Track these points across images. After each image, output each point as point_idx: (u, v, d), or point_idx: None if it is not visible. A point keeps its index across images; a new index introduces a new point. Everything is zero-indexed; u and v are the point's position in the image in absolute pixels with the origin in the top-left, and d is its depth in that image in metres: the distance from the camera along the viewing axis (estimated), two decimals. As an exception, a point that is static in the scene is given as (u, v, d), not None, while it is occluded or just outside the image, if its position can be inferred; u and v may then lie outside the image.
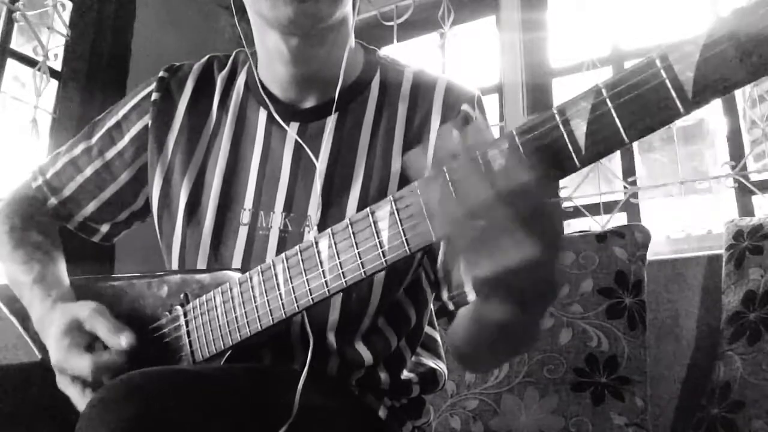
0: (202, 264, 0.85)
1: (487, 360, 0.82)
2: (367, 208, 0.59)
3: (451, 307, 0.82)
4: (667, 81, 0.43)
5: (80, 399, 0.74)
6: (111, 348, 0.74)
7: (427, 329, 0.96)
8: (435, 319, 1.01)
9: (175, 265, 0.88)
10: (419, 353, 0.94)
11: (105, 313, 0.77)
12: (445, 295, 0.83)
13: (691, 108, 0.43)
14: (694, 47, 0.42)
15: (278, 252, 0.81)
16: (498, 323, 0.58)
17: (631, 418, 1.33)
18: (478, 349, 0.74)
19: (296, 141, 0.85)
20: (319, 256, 0.64)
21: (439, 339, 0.99)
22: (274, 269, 0.68)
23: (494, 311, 0.56)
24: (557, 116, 0.47)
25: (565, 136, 0.47)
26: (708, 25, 0.41)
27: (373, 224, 0.59)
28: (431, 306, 0.96)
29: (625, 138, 0.45)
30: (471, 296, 0.79)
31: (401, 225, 0.57)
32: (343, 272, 0.62)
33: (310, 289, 0.65)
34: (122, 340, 0.74)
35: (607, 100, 0.45)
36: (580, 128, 0.46)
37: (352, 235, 0.60)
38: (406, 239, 0.57)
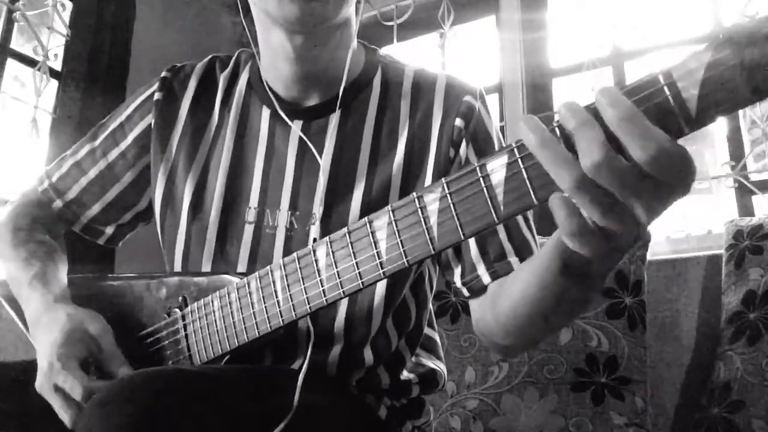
0: (206, 262, 0.85)
1: (539, 326, 0.71)
2: (366, 218, 0.59)
3: (466, 293, 0.81)
4: (670, 98, 0.41)
5: (63, 409, 0.72)
6: (107, 372, 0.74)
7: (427, 330, 0.96)
8: (434, 320, 1.01)
9: (178, 265, 0.88)
10: (419, 354, 0.94)
11: (111, 336, 0.77)
12: (458, 281, 0.82)
13: (694, 127, 0.41)
14: (699, 64, 0.40)
15: (285, 250, 0.82)
16: (580, 268, 0.54)
17: (631, 418, 1.33)
18: (538, 309, 0.66)
19: (300, 139, 0.85)
20: (316, 265, 0.63)
21: (438, 340, 0.99)
22: (272, 275, 0.68)
23: (583, 254, 0.49)
24: (557, 131, 0.45)
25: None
26: (712, 41, 0.40)
27: (371, 234, 0.58)
28: (430, 306, 0.96)
29: None
30: (485, 279, 0.78)
31: (399, 236, 0.56)
32: (340, 282, 0.61)
33: (307, 298, 0.64)
34: (121, 372, 0.74)
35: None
36: None
37: (350, 245, 0.60)
38: (404, 251, 0.56)
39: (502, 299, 0.73)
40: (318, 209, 0.82)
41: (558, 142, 0.44)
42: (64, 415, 0.72)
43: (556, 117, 0.45)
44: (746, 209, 1.73)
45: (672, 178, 0.41)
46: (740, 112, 1.80)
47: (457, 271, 0.82)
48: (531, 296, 0.65)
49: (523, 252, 0.79)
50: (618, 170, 0.41)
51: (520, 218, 0.81)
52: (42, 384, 0.73)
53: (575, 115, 0.43)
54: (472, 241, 0.79)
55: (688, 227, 1.77)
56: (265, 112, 0.89)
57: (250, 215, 0.85)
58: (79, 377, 0.71)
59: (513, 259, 0.78)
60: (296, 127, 0.86)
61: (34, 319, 0.80)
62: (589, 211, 0.43)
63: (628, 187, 0.41)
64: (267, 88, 0.88)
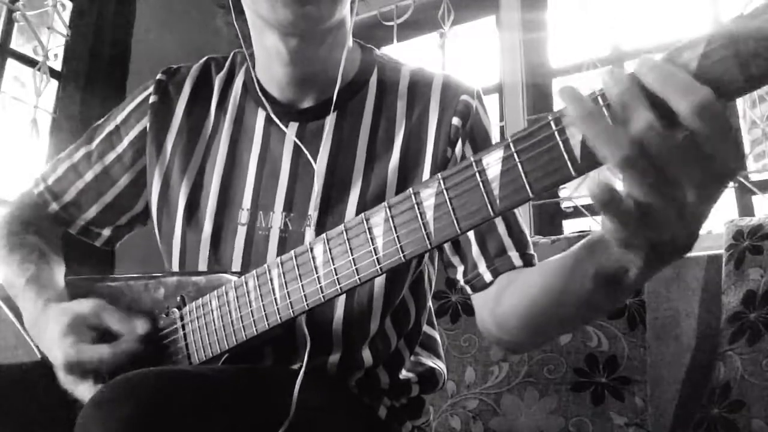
0: (202, 265, 0.85)
1: (553, 327, 0.72)
2: (362, 214, 0.59)
3: (469, 291, 0.81)
4: None
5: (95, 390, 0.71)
6: (127, 335, 0.74)
7: (427, 329, 0.96)
8: (434, 318, 1.01)
9: (175, 267, 0.88)
10: (418, 353, 0.94)
11: (108, 306, 0.77)
12: (461, 278, 0.82)
13: None
14: (693, 55, 0.40)
15: (279, 252, 0.82)
16: (615, 273, 0.51)
17: (631, 418, 1.33)
18: (557, 313, 0.65)
19: (295, 141, 0.85)
20: (314, 262, 0.63)
21: (438, 339, 0.99)
22: (270, 274, 0.68)
23: (629, 261, 0.48)
24: (553, 124, 0.46)
25: (561, 145, 0.45)
26: (707, 32, 0.40)
27: (367, 230, 0.58)
28: (430, 305, 0.96)
29: None
30: (487, 277, 0.78)
31: (396, 231, 0.56)
32: (338, 278, 0.61)
33: (305, 295, 0.65)
34: (138, 327, 0.75)
35: (604, 109, 0.43)
36: (575, 137, 0.45)
37: (347, 241, 0.60)
38: (401, 246, 0.56)
39: (512, 298, 0.73)
40: (314, 212, 0.82)
41: (602, 113, 0.43)
42: None
43: (599, 87, 0.44)
44: (746, 209, 1.73)
45: (716, 140, 0.40)
46: (740, 112, 1.80)
47: (460, 269, 0.82)
48: (553, 299, 0.64)
49: (522, 246, 0.79)
50: (666, 139, 0.40)
51: (516, 214, 0.81)
52: (67, 381, 0.75)
53: (619, 83, 0.42)
54: (473, 239, 0.80)
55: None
56: (260, 115, 0.89)
57: (243, 217, 0.85)
58: (100, 350, 0.72)
59: (513, 254, 0.78)
60: (291, 129, 0.86)
61: (31, 324, 0.81)
62: (636, 188, 0.42)
63: (677, 159, 0.41)
64: (262, 91, 0.88)
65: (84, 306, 0.77)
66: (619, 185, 0.44)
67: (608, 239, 0.47)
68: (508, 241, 0.79)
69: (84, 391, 0.73)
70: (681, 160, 0.41)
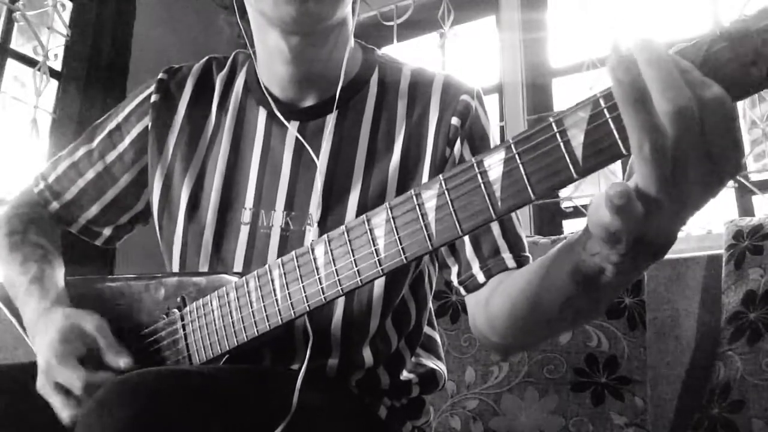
0: (203, 264, 0.85)
1: (537, 327, 0.70)
2: (364, 215, 0.59)
3: (463, 292, 0.82)
4: None
5: (62, 407, 0.72)
6: (108, 366, 0.74)
7: (427, 330, 0.96)
8: (434, 319, 1.01)
9: (176, 266, 0.88)
10: (419, 354, 0.94)
11: (108, 330, 0.76)
12: (455, 280, 0.82)
13: None
14: (696, 59, 0.40)
15: (280, 251, 0.82)
16: (595, 273, 0.50)
17: (631, 418, 1.33)
18: (539, 312, 0.64)
19: (297, 140, 0.85)
20: (315, 263, 0.63)
21: (438, 340, 0.99)
22: (271, 274, 0.68)
23: (604, 257, 0.48)
24: (554, 126, 0.46)
25: (562, 146, 0.45)
26: (709, 35, 0.40)
27: (369, 231, 0.58)
28: (430, 306, 0.96)
29: (623, 150, 0.43)
30: (480, 278, 0.79)
31: (397, 233, 0.56)
32: (339, 279, 0.61)
33: (306, 296, 0.64)
34: (122, 362, 0.74)
35: (605, 111, 0.43)
36: (577, 139, 0.45)
37: (348, 242, 0.60)
38: (402, 247, 0.56)
39: (499, 298, 0.73)
40: (315, 210, 0.82)
41: (649, 98, 0.40)
42: (64, 413, 0.72)
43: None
44: (746, 209, 1.73)
45: (723, 138, 0.40)
46: (740, 112, 1.80)
47: (454, 270, 0.82)
48: (533, 298, 0.64)
49: (517, 248, 0.79)
50: (695, 125, 0.39)
51: (513, 216, 0.81)
52: (43, 384, 0.73)
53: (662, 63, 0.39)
54: (467, 240, 0.80)
55: (688, 227, 1.77)
56: (262, 113, 0.89)
57: (246, 216, 0.85)
58: (78, 372, 0.71)
59: (506, 255, 0.78)
60: (293, 128, 0.86)
61: (32, 323, 0.80)
62: (653, 181, 0.41)
63: (694, 152, 0.40)
64: (264, 89, 0.88)
65: (86, 320, 0.76)
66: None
67: (590, 234, 0.46)
68: (502, 243, 0.79)
69: (55, 401, 0.72)
70: (695, 155, 0.40)
